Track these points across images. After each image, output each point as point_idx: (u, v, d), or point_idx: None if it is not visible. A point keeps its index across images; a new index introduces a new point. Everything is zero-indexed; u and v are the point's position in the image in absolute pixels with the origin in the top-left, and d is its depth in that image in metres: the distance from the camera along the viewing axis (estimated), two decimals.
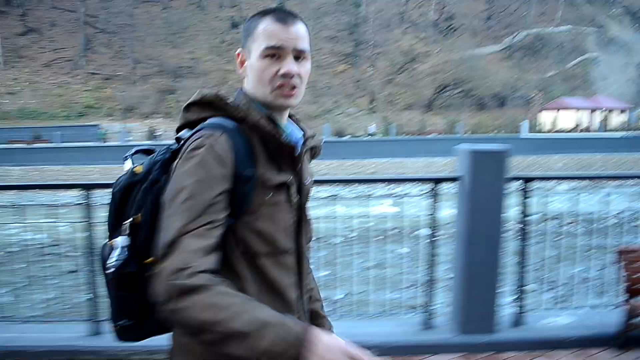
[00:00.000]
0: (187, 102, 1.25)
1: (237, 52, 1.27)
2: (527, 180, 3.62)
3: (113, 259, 1.16)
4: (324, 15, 68.52)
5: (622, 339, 3.51)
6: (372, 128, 48.60)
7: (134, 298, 1.19)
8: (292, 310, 1.25)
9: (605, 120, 50.27)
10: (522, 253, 3.67)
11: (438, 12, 75.66)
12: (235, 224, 1.16)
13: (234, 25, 65.43)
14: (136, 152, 1.35)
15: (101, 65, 63.15)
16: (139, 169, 1.22)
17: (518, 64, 71.67)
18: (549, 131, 47.31)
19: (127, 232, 1.16)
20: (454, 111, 60.49)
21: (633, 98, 67.16)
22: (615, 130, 46.53)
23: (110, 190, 1.26)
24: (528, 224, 3.66)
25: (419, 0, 77.23)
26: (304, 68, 1.23)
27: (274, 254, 1.22)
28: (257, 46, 1.20)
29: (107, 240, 1.24)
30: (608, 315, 3.71)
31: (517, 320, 3.69)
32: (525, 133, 43.13)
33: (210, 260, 1.06)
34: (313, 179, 1.39)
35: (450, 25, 75.48)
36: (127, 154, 1.32)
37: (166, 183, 1.14)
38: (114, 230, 1.23)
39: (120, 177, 1.25)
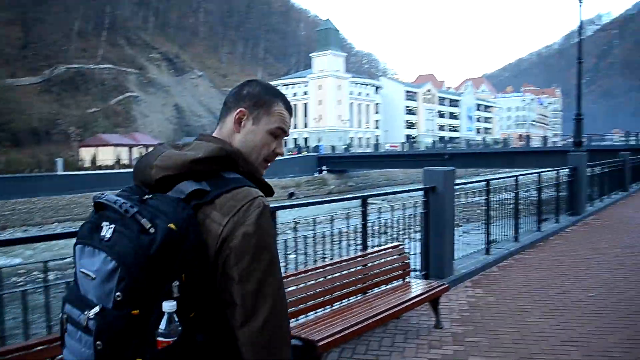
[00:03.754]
0: (203, 156, 1.21)
1: (240, 110, 1.33)
2: None
3: (164, 327, 1.05)
4: None
5: None
6: None
7: None
8: None
9: None
10: None
11: None
12: None
13: None
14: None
15: None
16: (173, 225, 1.11)
17: (58, 98, 68.32)
18: (89, 168, 46.18)
19: (176, 294, 1.08)
20: None
21: (170, 135, 73.76)
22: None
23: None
24: None
25: None
26: None
27: None
28: (270, 122, 1.34)
29: (124, 310, 1.06)
30: None
31: None
32: (61, 171, 40.98)
33: None
34: None
35: None
36: (126, 208, 1.13)
37: (201, 238, 1.14)
38: (142, 296, 1.07)
39: (133, 236, 1.09)
